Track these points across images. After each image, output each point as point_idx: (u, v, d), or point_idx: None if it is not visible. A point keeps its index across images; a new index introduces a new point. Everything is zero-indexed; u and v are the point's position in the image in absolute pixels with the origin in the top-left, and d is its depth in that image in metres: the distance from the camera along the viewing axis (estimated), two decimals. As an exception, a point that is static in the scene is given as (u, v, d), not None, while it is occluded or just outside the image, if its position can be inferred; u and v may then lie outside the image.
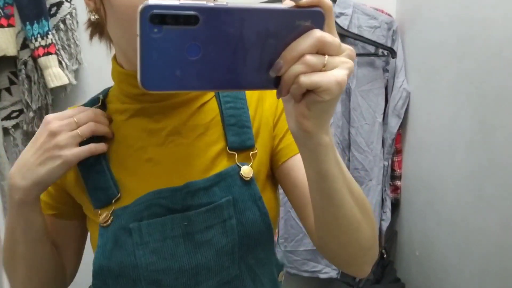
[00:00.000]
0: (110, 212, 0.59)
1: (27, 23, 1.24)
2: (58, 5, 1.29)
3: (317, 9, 0.40)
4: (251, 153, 0.62)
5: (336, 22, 1.37)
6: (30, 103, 1.31)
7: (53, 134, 0.57)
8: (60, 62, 1.29)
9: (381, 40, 1.42)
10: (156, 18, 0.38)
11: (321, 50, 0.39)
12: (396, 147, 1.50)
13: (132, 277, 0.57)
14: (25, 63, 1.29)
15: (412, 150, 1.46)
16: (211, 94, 0.64)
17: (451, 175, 1.23)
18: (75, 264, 0.72)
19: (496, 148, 1.03)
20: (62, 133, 0.57)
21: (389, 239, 1.56)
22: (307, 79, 0.39)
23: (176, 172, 0.60)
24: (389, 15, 1.45)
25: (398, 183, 1.52)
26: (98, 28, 0.63)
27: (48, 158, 0.57)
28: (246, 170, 0.60)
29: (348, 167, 1.48)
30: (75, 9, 1.32)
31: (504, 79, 1.00)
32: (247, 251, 0.60)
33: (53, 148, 0.57)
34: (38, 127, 1.33)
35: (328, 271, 1.54)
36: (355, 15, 1.41)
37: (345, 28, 1.39)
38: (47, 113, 1.35)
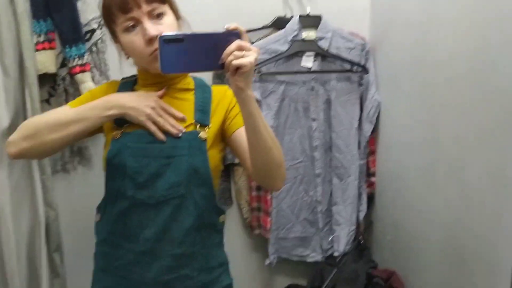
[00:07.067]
0: (120, 132, 1.03)
1: (67, 46, 1.51)
2: (92, 32, 1.56)
3: (236, 31, 0.87)
4: (206, 127, 1.05)
5: (317, 45, 1.66)
6: (66, 111, 1.58)
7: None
8: (92, 78, 1.56)
9: (356, 59, 1.69)
10: (165, 40, 0.87)
11: (241, 49, 0.86)
12: (370, 148, 1.77)
13: (120, 168, 1.02)
14: (63, 79, 1.56)
15: (383, 150, 1.73)
16: (192, 92, 1.09)
17: (412, 168, 1.50)
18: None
19: (442, 145, 1.32)
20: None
21: (366, 228, 1.83)
22: (235, 62, 0.85)
23: None
24: (362, 38, 1.73)
25: (372, 179, 1.78)
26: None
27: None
28: (202, 134, 1.03)
29: (330, 166, 1.75)
30: (104, 34, 1.57)
31: (446, 90, 1.29)
32: (191, 180, 1.02)
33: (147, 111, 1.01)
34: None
35: (314, 256, 1.78)
36: (334, 38, 1.68)
37: (325, 49, 1.67)
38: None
